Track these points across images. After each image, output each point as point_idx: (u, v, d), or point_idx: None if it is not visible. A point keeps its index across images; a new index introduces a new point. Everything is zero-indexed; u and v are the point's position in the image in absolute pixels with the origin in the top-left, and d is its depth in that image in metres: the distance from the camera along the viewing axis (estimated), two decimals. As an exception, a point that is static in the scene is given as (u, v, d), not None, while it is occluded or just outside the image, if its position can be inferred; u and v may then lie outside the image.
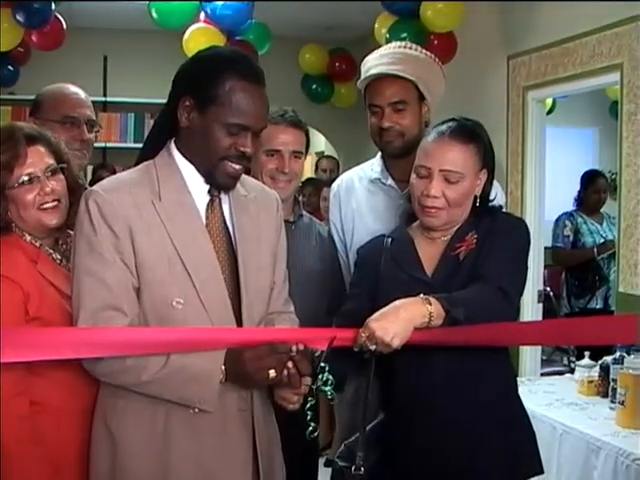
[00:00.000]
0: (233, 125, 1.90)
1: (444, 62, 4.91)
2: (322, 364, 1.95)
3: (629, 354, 3.02)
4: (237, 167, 1.95)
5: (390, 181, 2.65)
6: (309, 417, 1.97)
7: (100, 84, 7.03)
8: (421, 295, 2.00)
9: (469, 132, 2.18)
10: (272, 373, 1.84)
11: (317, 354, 1.96)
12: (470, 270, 2.12)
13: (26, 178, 2.06)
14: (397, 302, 1.99)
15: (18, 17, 4.97)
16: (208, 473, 1.90)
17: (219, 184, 1.97)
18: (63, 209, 2.11)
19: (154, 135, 2.07)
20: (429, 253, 2.21)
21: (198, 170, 1.97)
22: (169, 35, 5.66)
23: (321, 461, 5.26)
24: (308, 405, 1.97)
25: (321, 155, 8.21)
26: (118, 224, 1.86)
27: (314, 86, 7.22)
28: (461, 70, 5.09)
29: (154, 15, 5.13)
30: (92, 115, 2.71)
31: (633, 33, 3.85)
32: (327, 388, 1.97)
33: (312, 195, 5.95)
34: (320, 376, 1.95)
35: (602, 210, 5.56)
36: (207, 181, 1.97)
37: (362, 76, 2.62)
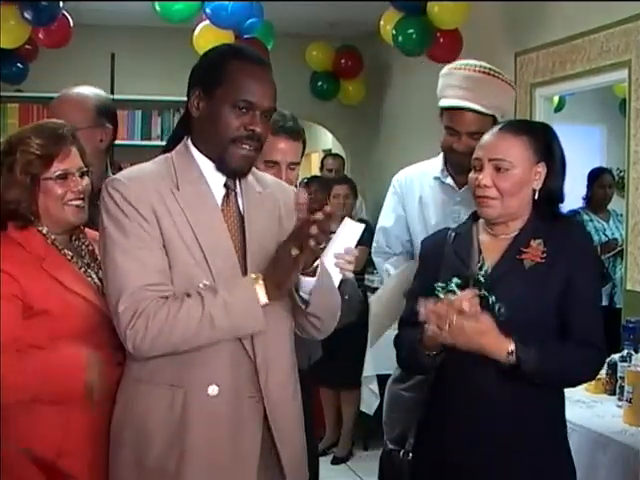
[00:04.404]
0: (239, 102, 1.94)
1: (450, 59, 4.93)
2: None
3: (637, 352, 3.02)
4: (248, 147, 1.97)
5: (449, 179, 2.85)
6: None
7: (108, 81, 7.03)
8: (510, 347, 2.05)
9: (523, 125, 2.25)
10: (294, 251, 1.83)
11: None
12: (537, 284, 2.14)
13: (62, 172, 2.13)
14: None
15: (26, 15, 4.99)
16: (220, 457, 1.94)
17: (232, 169, 2.00)
18: (86, 210, 2.19)
19: (174, 134, 2.13)
20: (491, 249, 2.23)
21: (212, 159, 2.00)
22: (177, 32, 5.68)
23: (328, 459, 5.31)
24: None
25: (327, 153, 8.20)
26: (144, 207, 1.91)
27: (320, 83, 7.22)
28: (468, 67, 5.07)
29: (157, 9, 5.15)
30: None
31: (641, 30, 3.84)
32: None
33: (318, 192, 5.94)
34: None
35: (610, 208, 5.55)
36: (220, 167, 2.00)
37: (440, 90, 2.77)
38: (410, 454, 2.18)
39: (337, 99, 7.33)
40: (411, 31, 4.96)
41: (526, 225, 2.22)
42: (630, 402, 2.85)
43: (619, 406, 2.99)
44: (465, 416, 2.15)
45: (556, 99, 5.25)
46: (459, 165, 2.78)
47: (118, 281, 1.90)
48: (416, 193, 2.90)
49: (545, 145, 2.22)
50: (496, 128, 2.25)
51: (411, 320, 2.16)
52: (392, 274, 2.94)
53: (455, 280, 2.16)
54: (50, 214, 2.14)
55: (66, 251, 2.16)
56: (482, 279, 2.14)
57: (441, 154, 2.91)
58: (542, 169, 2.21)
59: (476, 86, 2.70)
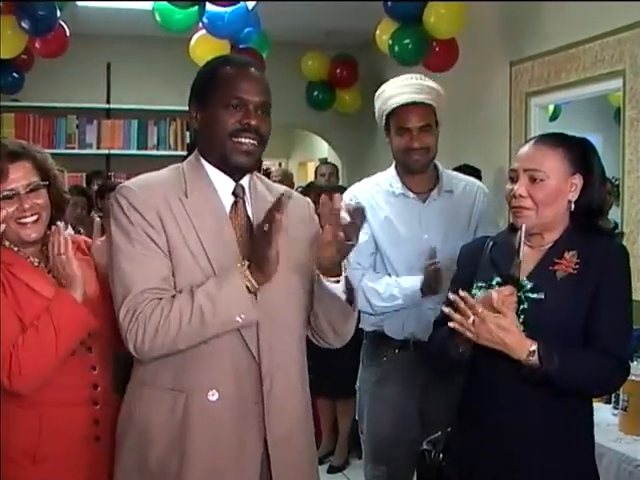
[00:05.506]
0: (231, 100, 1.99)
1: (446, 69, 4.96)
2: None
3: (632, 361, 3.02)
4: (246, 141, 2.00)
5: (411, 195, 3.03)
6: None
7: (104, 91, 7.05)
8: (532, 347, 2.07)
9: (559, 137, 2.25)
10: (265, 227, 1.85)
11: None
12: (568, 295, 2.15)
13: (7, 193, 2.14)
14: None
15: (23, 24, 4.99)
16: (221, 462, 1.95)
17: (235, 164, 2.02)
18: (43, 223, 2.20)
19: (189, 149, 2.16)
20: (527, 259, 2.22)
21: (218, 165, 2.04)
22: (172, 42, 5.68)
23: (325, 468, 5.31)
24: None
25: (323, 162, 8.23)
26: (150, 214, 1.94)
27: (316, 92, 7.24)
28: (463, 76, 5.10)
29: (157, 19, 5.15)
30: None
31: (636, 39, 3.86)
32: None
33: (313, 201, 5.95)
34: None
35: (609, 217, 5.55)
36: (224, 167, 2.03)
37: (383, 104, 2.99)
38: (441, 455, 2.25)
39: (333, 108, 7.35)
40: (407, 41, 4.98)
41: (562, 236, 2.23)
42: (626, 410, 2.85)
43: (615, 414, 2.99)
44: (496, 421, 2.17)
45: (551, 108, 5.27)
46: (418, 166, 2.98)
47: (121, 287, 1.93)
48: (378, 210, 3.01)
49: (582, 157, 2.22)
50: (532, 140, 2.27)
51: (444, 322, 2.19)
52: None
53: (496, 279, 2.20)
54: (6, 233, 2.18)
55: (32, 258, 2.21)
56: (522, 281, 2.17)
57: (389, 169, 3.08)
58: (578, 181, 2.21)
59: (417, 88, 2.97)
